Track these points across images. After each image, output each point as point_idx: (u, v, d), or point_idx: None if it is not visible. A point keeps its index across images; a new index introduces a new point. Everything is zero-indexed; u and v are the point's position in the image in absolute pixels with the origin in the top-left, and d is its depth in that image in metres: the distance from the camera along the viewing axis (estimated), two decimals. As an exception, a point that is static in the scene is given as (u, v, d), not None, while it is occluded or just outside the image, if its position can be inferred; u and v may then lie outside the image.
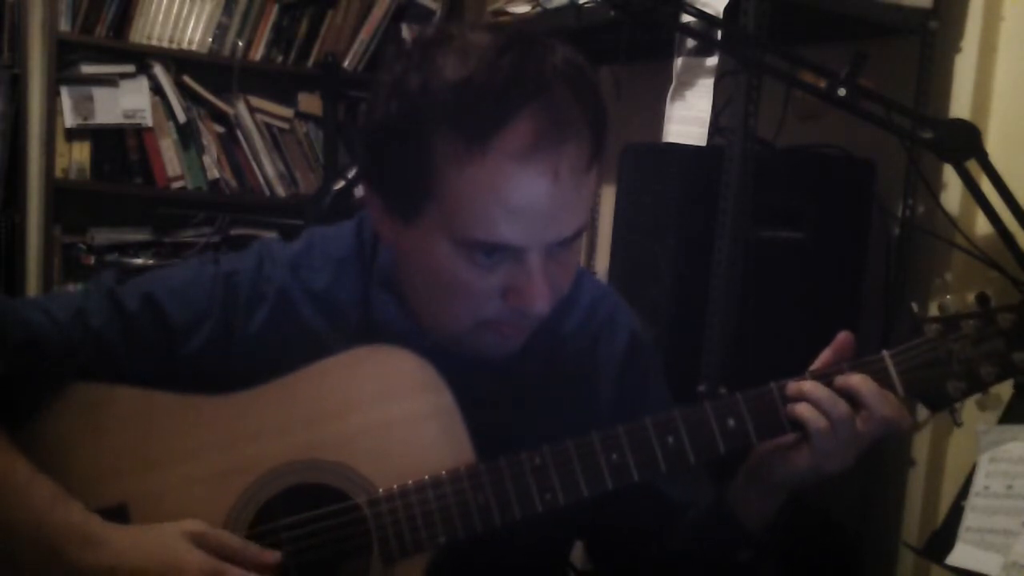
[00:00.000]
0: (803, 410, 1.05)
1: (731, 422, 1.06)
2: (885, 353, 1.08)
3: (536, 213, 0.98)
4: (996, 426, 1.19)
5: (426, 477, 1.05)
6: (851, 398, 1.05)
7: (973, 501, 1.15)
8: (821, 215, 1.89)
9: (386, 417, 1.07)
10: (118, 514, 1.03)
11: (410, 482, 1.05)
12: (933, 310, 1.12)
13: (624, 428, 1.06)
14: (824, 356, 1.11)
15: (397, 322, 1.12)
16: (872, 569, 2.05)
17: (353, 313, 1.13)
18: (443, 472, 1.06)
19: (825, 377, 1.08)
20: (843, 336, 1.10)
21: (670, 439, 1.06)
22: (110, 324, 1.08)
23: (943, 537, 1.15)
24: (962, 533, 1.13)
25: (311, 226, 1.22)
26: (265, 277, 1.13)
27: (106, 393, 1.07)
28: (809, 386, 1.06)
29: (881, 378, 1.07)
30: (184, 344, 1.10)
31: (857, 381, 1.06)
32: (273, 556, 1.03)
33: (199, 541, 1.01)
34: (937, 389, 1.08)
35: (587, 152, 1.00)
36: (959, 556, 1.12)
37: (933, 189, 1.94)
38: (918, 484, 2.02)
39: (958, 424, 1.10)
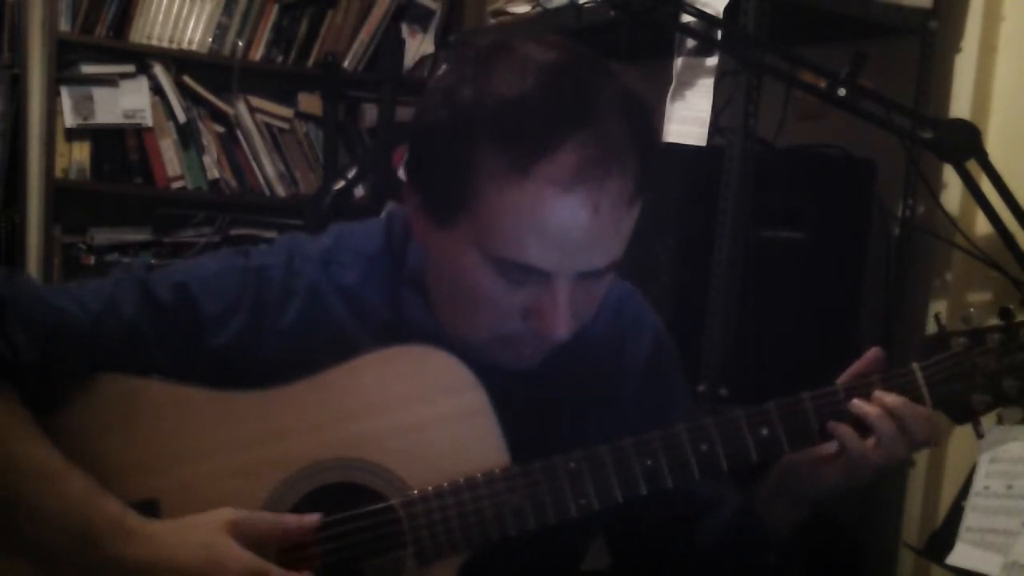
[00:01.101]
0: (846, 430, 1.07)
1: (764, 431, 1.07)
2: (915, 366, 1.09)
3: (570, 243, 0.98)
4: (996, 426, 1.19)
5: (461, 479, 1.05)
6: (893, 419, 1.06)
7: (973, 501, 1.15)
8: (821, 215, 1.89)
9: (421, 417, 1.07)
10: (149, 508, 1.03)
11: (445, 483, 1.05)
12: (936, 311, 1.13)
13: (658, 435, 1.07)
14: (853, 370, 1.11)
15: (425, 322, 1.12)
16: (872, 569, 2.05)
17: (382, 311, 1.13)
18: (478, 474, 1.05)
19: (858, 391, 1.08)
20: (874, 352, 1.11)
21: (703, 446, 1.07)
22: (141, 314, 1.07)
23: (943, 537, 1.14)
24: (962, 533, 1.13)
25: (311, 226, 1.22)
26: (296, 272, 1.12)
27: (136, 386, 1.06)
28: (870, 408, 1.07)
29: (912, 391, 1.08)
30: (214, 336, 1.09)
31: (899, 404, 1.06)
32: (312, 520, 1.03)
33: (237, 531, 1.00)
34: (962, 402, 1.10)
35: (631, 187, 1.00)
36: (959, 556, 1.12)
37: (933, 189, 1.93)
38: (918, 484, 2.02)
39: (981, 437, 1.12)
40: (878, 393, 1.07)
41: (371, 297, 1.13)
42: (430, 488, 1.05)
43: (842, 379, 1.11)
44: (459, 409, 1.07)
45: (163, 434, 1.06)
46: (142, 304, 1.08)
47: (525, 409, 1.11)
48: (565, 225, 0.97)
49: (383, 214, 1.20)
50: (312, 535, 1.05)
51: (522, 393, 1.11)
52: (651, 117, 1.03)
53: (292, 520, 1.03)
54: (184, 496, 1.04)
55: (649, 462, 1.06)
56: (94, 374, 1.05)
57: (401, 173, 2.94)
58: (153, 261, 3.33)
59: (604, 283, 1.07)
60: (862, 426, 1.07)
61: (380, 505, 1.05)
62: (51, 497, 0.97)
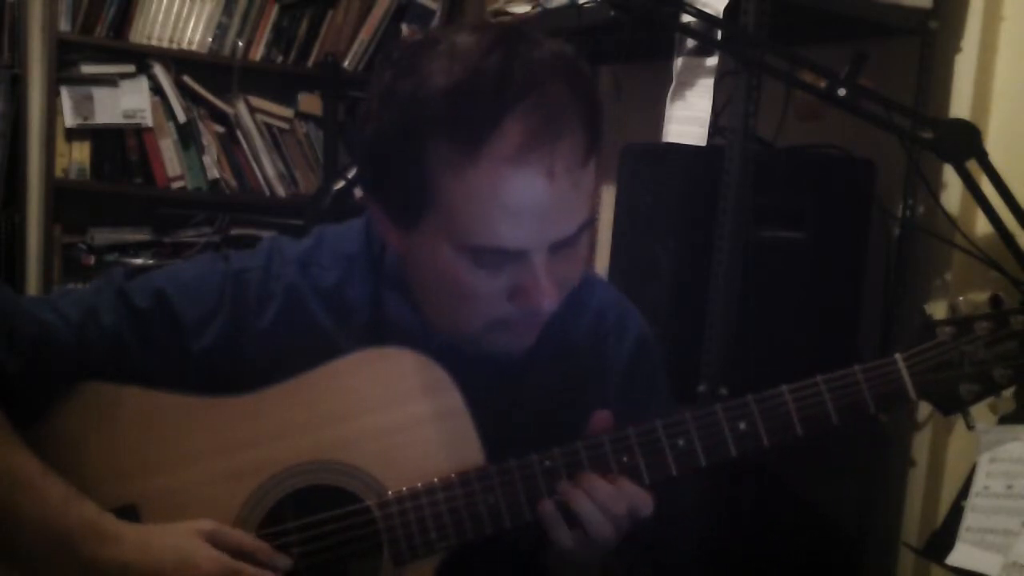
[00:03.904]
0: (585, 508, 1.04)
1: (742, 425, 1.06)
2: (898, 356, 1.08)
3: (535, 214, 0.98)
4: (996, 426, 1.19)
5: (435, 479, 1.05)
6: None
7: (973, 501, 1.15)
8: (821, 215, 1.88)
9: (395, 419, 1.07)
10: (128, 514, 1.04)
11: (420, 484, 1.05)
12: (936, 311, 1.12)
13: (635, 430, 1.07)
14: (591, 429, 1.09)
15: (407, 319, 1.12)
16: (872, 569, 2.05)
17: (363, 311, 1.13)
18: (453, 474, 1.06)
19: (837, 382, 1.07)
20: (600, 417, 1.09)
21: (680, 441, 1.06)
22: (121, 322, 1.08)
23: (943, 537, 1.14)
24: (962, 533, 1.13)
25: (311, 226, 1.22)
26: (275, 275, 1.13)
27: (116, 393, 1.07)
28: (600, 490, 1.04)
29: (894, 382, 1.07)
30: (195, 341, 1.09)
31: (634, 493, 1.05)
32: (284, 560, 1.04)
33: (213, 539, 1.01)
34: (950, 392, 1.08)
35: (582, 147, 1.00)
36: (959, 556, 1.11)
37: (933, 189, 1.93)
38: (918, 484, 2.02)
39: (971, 427, 1.10)
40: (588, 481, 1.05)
41: (351, 297, 1.13)
42: (405, 489, 1.05)
43: (592, 431, 1.08)
44: (435, 410, 1.07)
45: (142, 440, 1.06)
46: (121, 312, 1.08)
47: (506, 408, 1.12)
48: (526, 197, 0.97)
49: (364, 214, 1.19)
50: (287, 533, 1.05)
51: (499, 392, 1.12)
52: (586, 74, 1.02)
53: (266, 549, 1.03)
54: (163, 502, 1.05)
55: (625, 458, 1.06)
56: (76, 382, 1.06)
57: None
58: (152, 261, 3.34)
59: (582, 248, 1.07)
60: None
61: (355, 507, 1.06)
62: (29, 504, 0.98)
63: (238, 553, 1.02)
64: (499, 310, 1.04)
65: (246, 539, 1.03)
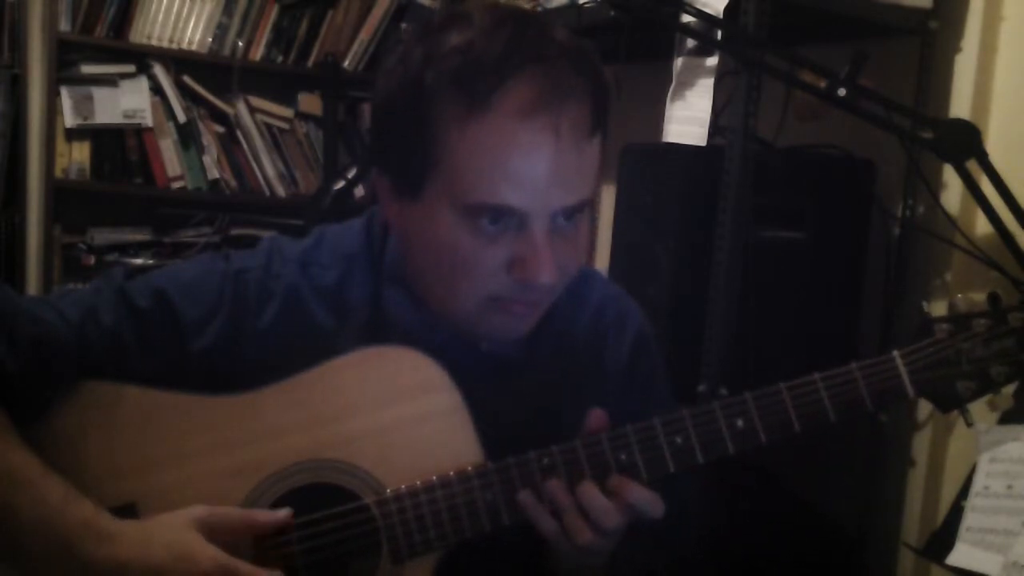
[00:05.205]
0: (574, 525, 1.04)
1: (740, 422, 1.06)
2: (896, 354, 1.08)
3: (538, 174, 0.99)
4: (996, 426, 1.19)
5: (434, 477, 1.06)
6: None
7: (973, 501, 1.15)
8: (821, 215, 1.89)
9: (394, 417, 1.07)
10: (128, 513, 1.04)
11: (418, 482, 1.06)
12: (936, 310, 1.12)
13: (633, 427, 1.07)
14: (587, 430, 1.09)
15: (408, 317, 1.13)
16: (872, 569, 2.05)
17: (363, 310, 1.13)
18: (451, 472, 1.06)
19: (835, 380, 1.07)
20: (596, 416, 1.09)
21: (678, 439, 1.06)
22: (122, 322, 1.08)
23: (943, 537, 1.14)
24: (962, 533, 1.13)
25: (311, 226, 1.22)
26: (274, 275, 1.13)
27: (115, 392, 1.07)
28: (592, 499, 1.04)
29: (892, 379, 1.07)
30: (194, 341, 1.09)
31: (634, 492, 1.04)
32: (283, 515, 1.04)
33: (207, 527, 1.01)
34: (947, 390, 1.08)
35: (588, 116, 1.01)
36: (959, 556, 1.11)
37: (933, 189, 1.93)
38: (918, 484, 2.02)
39: (969, 424, 1.10)
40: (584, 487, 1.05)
41: (351, 296, 1.13)
42: (404, 487, 1.06)
43: (588, 431, 1.08)
44: (433, 409, 1.07)
45: (141, 439, 1.06)
46: (122, 312, 1.08)
47: (506, 405, 1.12)
48: (530, 154, 0.98)
49: (365, 213, 1.20)
50: (286, 531, 1.05)
51: (500, 389, 1.12)
52: (595, 59, 1.04)
53: (262, 515, 1.04)
54: (163, 500, 1.04)
55: (623, 455, 1.06)
56: (76, 382, 1.06)
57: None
58: (152, 261, 3.34)
59: (582, 234, 1.07)
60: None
61: (353, 504, 1.06)
62: (29, 504, 0.98)
63: (235, 532, 1.02)
64: (496, 284, 1.04)
65: (240, 512, 1.04)
